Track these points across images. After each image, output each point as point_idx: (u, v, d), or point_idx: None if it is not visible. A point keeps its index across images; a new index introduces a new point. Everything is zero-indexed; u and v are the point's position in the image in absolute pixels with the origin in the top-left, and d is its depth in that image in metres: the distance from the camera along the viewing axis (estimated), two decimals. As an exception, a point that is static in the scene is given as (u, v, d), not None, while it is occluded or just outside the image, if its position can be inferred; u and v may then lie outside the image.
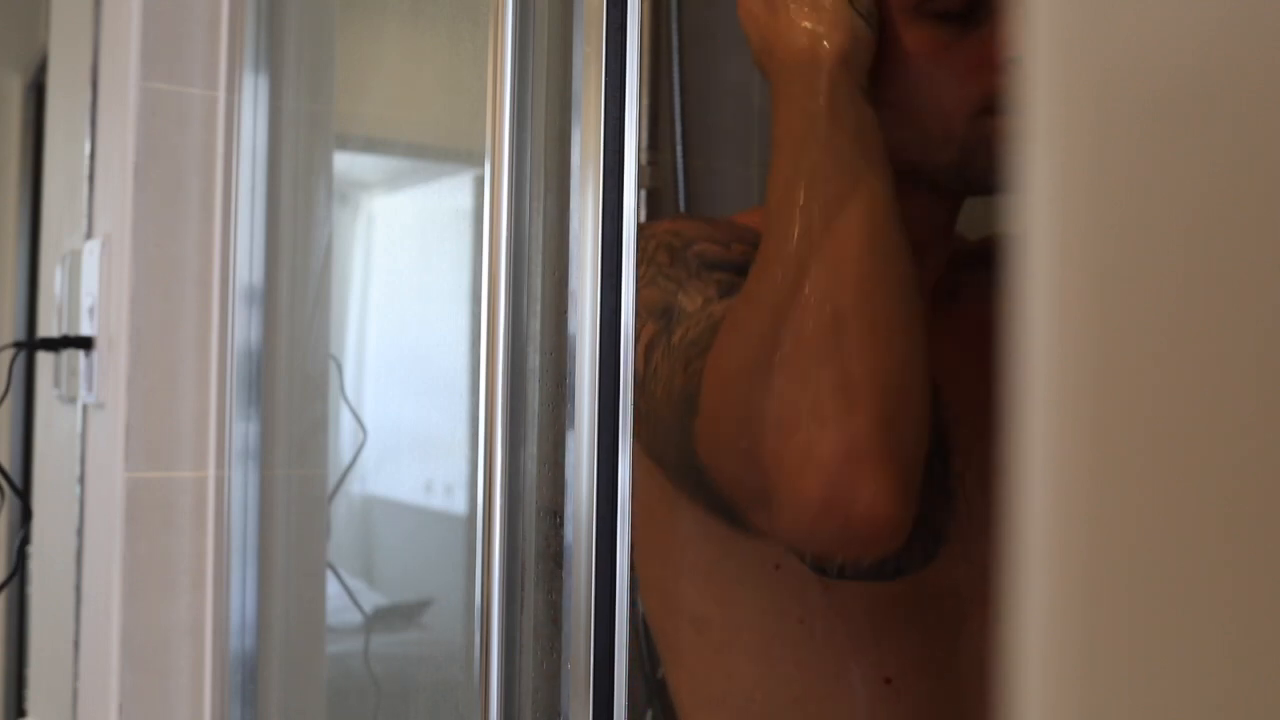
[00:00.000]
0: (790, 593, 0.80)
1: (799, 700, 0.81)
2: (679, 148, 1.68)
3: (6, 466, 1.13)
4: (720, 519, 0.79)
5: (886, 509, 0.64)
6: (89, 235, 1.14)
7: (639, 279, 0.80)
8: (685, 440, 0.72)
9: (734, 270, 0.78)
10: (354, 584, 1.11)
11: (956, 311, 0.87)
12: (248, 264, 1.02)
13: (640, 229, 0.87)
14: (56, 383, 1.22)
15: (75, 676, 1.12)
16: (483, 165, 0.68)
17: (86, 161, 1.15)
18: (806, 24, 0.73)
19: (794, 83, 0.72)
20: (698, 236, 0.82)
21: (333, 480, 1.06)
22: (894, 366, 0.66)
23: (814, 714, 0.81)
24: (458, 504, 0.88)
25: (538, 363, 0.68)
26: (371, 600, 1.13)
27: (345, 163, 1.08)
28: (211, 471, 1.02)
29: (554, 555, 0.67)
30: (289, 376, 1.04)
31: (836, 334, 0.65)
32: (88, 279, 1.08)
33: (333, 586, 1.07)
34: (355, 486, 1.07)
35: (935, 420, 0.83)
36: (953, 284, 0.88)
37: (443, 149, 0.98)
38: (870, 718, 0.80)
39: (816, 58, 0.71)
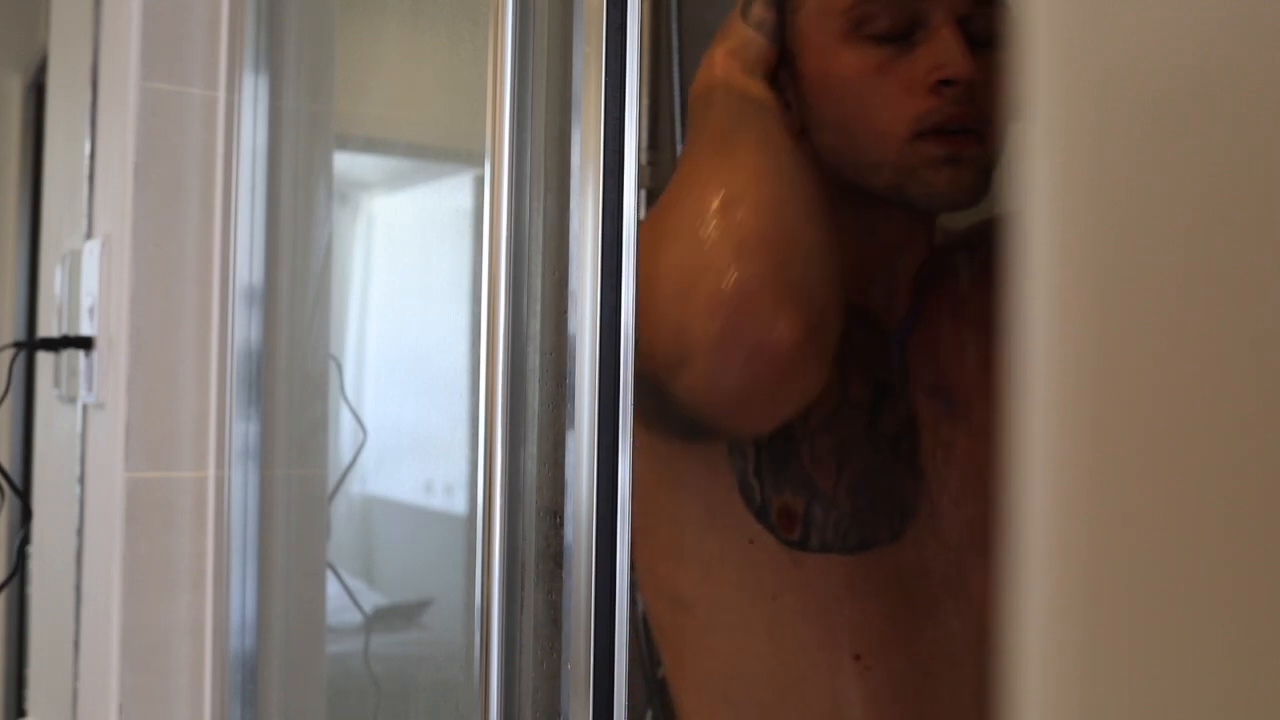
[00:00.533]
0: (763, 567, 0.82)
1: (772, 675, 0.83)
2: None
3: (6, 466, 1.13)
4: (674, 433, 0.84)
5: (787, 334, 0.70)
6: (89, 235, 1.14)
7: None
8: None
9: None
10: (354, 584, 1.11)
11: (936, 295, 0.88)
12: (248, 264, 1.02)
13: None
14: (56, 383, 1.22)
15: (75, 676, 1.12)
16: (483, 165, 0.68)
17: (86, 161, 1.15)
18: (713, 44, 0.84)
19: (692, 98, 0.83)
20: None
21: (333, 480, 1.06)
22: (785, 232, 0.73)
23: (786, 689, 0.83)
24: (458, 504, 0.88)
25: (538, 363, 0.68)
26: (371, 600, 1.13)
27: (345, 163, 1.08)
28: (211, 471, 1.02)
29: (554, 555, 0.67)
30: (289, 376, 1.04)
31: (737, 203, 0.74)
32: (88, 279, 1.08)
33: (333, 586, 1.07)
34: (355, 486, 1.07)
35: (907, 400, 0.84)
36: (934, 269, 0.88)
37: (443, 149, 0.98)
38: (838, 693, 0.81)
39: (708, 59, 0.82)
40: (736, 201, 0.73)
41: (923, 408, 0.84)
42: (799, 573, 0.82)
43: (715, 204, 0.74)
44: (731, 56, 0.81)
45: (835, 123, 0.81)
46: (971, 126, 0.78)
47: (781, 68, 0.84)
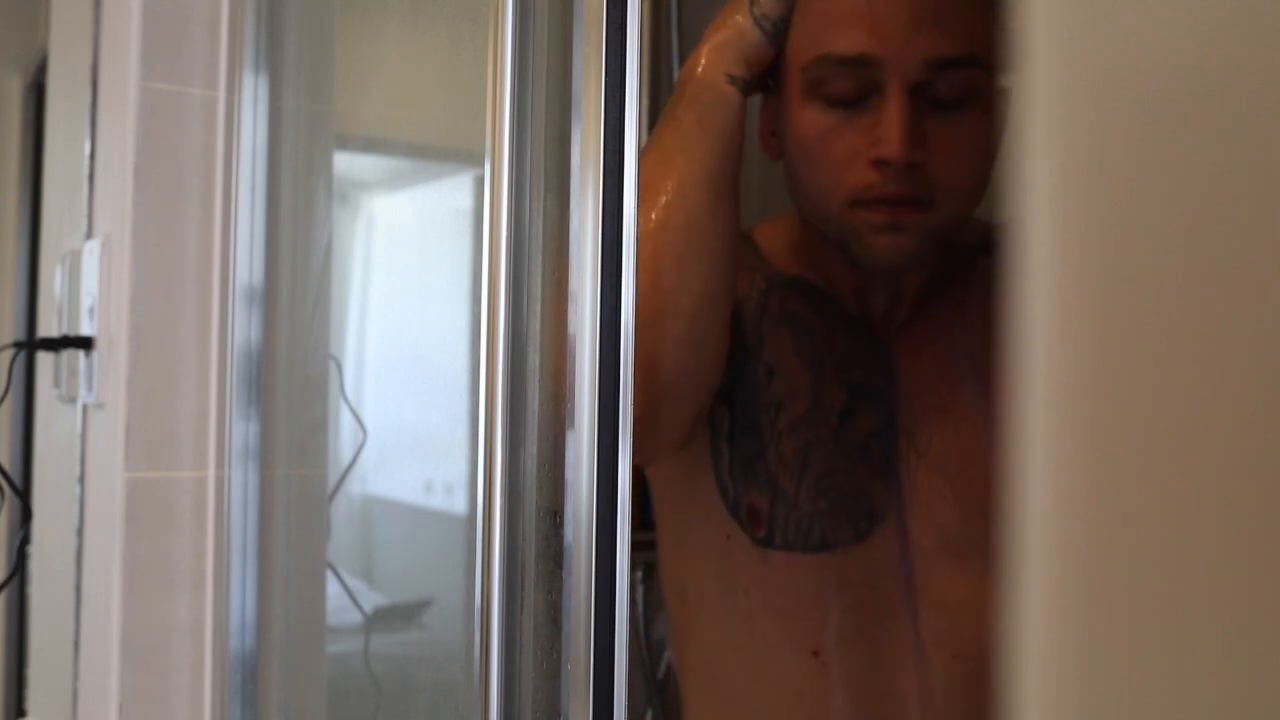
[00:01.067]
0: (737, 563, 0.83)
1: (747, 667, 0.85)
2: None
3: (6, 466, 1.13)
4: None
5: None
6: (89, 235, 1.14)
7: None
8: None
9: None
10: (354, 584, 1.11)
11: (929, 301, 0.88)
12: (248, 264, 1.02)
13: None
14: (56, 383, 1.22)
15: (75, 676, 1.13)
16: (483, 165, 0.68)
17: (86, 161, 1.15)
18: (711, 28, 0.83)
19: (679, 81, 0.84)
20: None
21: (333, 480, 1.06)
22: (671, 282, 0.76)
23: (753, 680, 0.85)
24: (458, 504, 0.88)
25: (538, 363, 0.68)
26: (371, 600, 1.13)
27: (345, 163, 1.09)
28: (211, 471, 1.03)
29: (554, 555, 0.67)
30: (289, 376, 1.04)
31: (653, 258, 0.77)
32: (88, 279, 1.09)
33: (333, 586, 1.07)
34: (355, 486, 1.07)
35: (889, 404, 0.85)
36: (943, 278, 0.89)
37: (443, 149, 0.98)
38: (796, 688, 0.83)
39: (698, 48, 0.82)
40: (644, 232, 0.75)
41: (904, 414, 0.85)
42: (766, 569, 0.83)
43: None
44: (719, 50, 0.81)
45: (791, 168, 0.83)
46: (911, 199, 0.78)
47: (774, 72, 0.84)
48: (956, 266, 0.89)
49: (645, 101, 1.66)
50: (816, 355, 0.84)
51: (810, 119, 0.79)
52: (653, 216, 0.77)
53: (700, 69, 0.81)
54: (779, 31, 0.81)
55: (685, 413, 0.80)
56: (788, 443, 0.82)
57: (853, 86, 0.77)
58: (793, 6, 0.81)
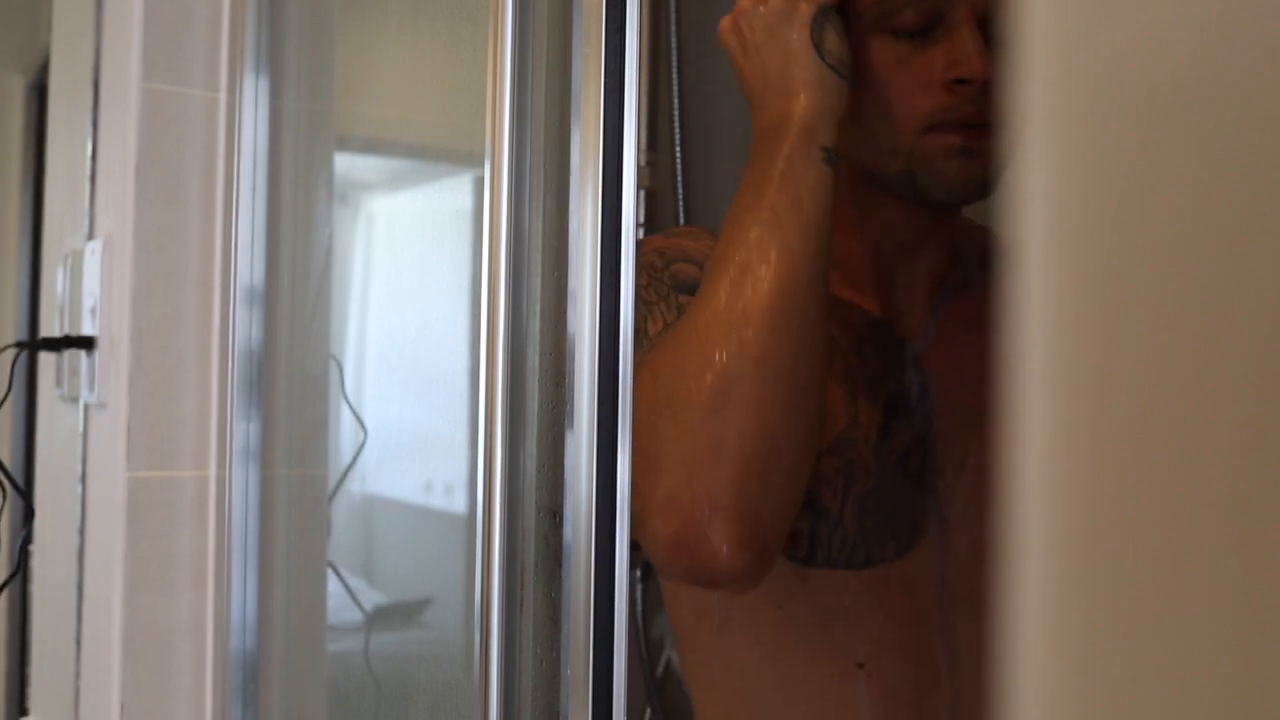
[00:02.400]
0: (772, 579, 0.83)
1: (778, 680, 0.84)
2: (678, 148, 1.68)
3: (9, 466, 1.13)
4: None
5: (730, 561, 0.70)
6: (90, 236, 1.14)
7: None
8: None
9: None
10: (354, 583, 1.11)
11: (955, 308, 0.88)
12: (248, 264, 1.03)
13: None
14: (58, 382, 1.22)
15: (77, 675, 1.13)
16: (482, 166, 0.68)
17: (88, 162, 1.15)
18: (779, 76, 0.75)
19: (760, 140, 0.76)
20: (678, 256, 0.86)
21: (333, 480, 1.07)
22: (770, 434, 0.70)
23: (793, 693, 0.84)
24: (458, 503, 0.88)
25: (537, 363, 0.68)
26: (372, 599, 1.13)
27: (345, 163, 1.09)
28: (213, 471, 1.03)
29: (553, 555, 0.67)
30: (289, 376, 1.05)
31: (723, 393, 0.70)
32: (89, 279, 1.09)
33: (333, 585, 1.08)
34: (355, 486, 1.07)
35: (923, 415, 0.84)
36: (956, 281, 0.88)
37: (443, 150, 0.98)
38: (841, 700, 0.82)
39: (783, 121, 0.75)
40: (733, 386, 0.70)
41: (938, 423, 0.85)
42: (804, 585, 0.83)
43: (716, 375, 0.70)
44: (810, 126, 0.74)
45: (854, 110, 0.80)
46: (984, 122, 0.79)
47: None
48: (976, 272, 0.89)
49: (644, 102, 1.67)
50: (849, 370, 0.84)
51: (879, 50, 0.79)
52: (752, 323, 0.71)
53: (792, 146, 0.74)
54: (848, 71, 0.77)
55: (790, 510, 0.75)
56: (828, 461, 0.81)
57: (919, 17, 0.78)
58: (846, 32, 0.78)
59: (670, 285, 0.83)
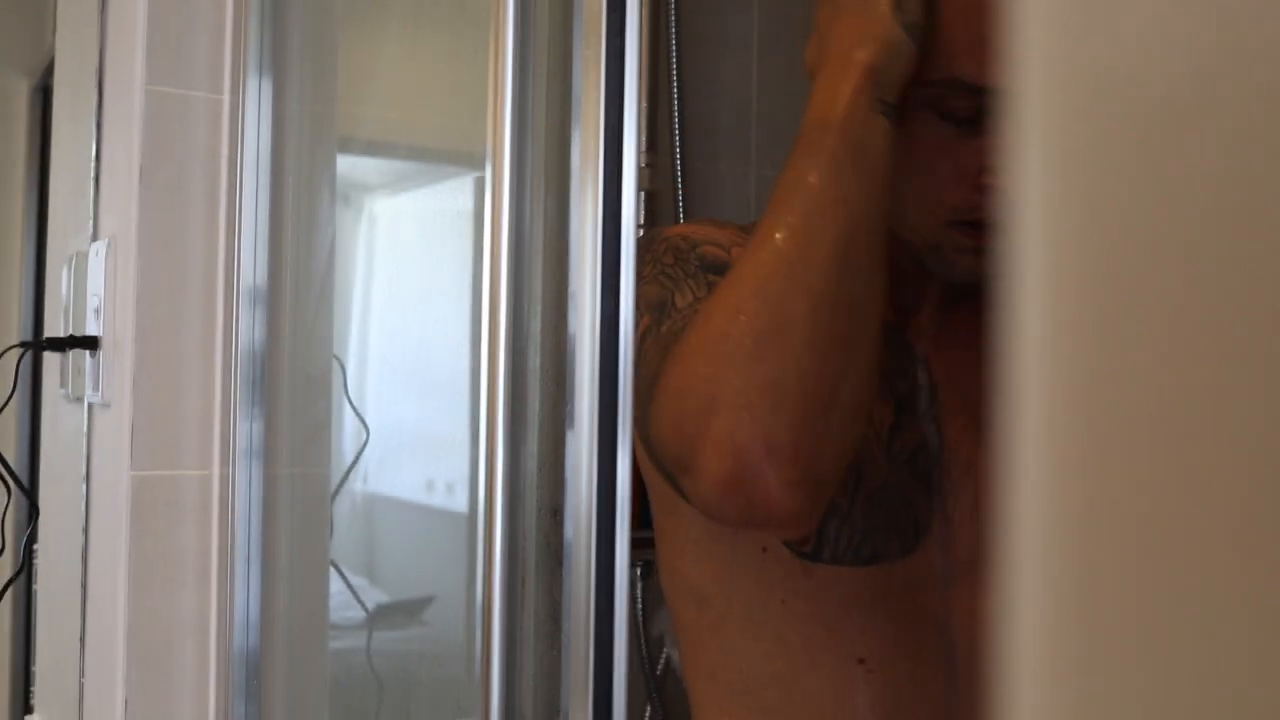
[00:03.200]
0: (775, 574, 0.82)
1: (780, 675, 0.84)
2: (678, 150, 1.69)
3: (13, 465, 1.14)
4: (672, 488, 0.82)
5: (785, 502, 0.69)
6: (95, 237, 1.15)
7: (644, 276, 0.83)
8: (645, 414, 0.76)
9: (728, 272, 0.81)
10: (356, 581, 1.12)
11: (963, 310, 0.88)
12: (252, 265, 1.03)
13: (656, 232, 0.89)
14: (63, 382, 1.23)
15: (81, 673, 1.13)
16: (483, 167, 0.68)
17: (92, 163, 1.16)
18: (850, 31, 0.74)
19: (821, 87, 0.74)
20: (704, 240, 0.86)
21: (336, 478, 1.07)
22: (828, 376, 0.70)
23: (793, 688, 0.84)
24: (459, 502, 0.88)
25: (538, 363, 0.69)
26: (374, 597, 1.13)
27: (348, 165, 1.09)
28: (216, 470, 1.03)
29: (554, 553, 0.67)
30: (292, 376, 1.05)
31: (781, 335, 0.69)
32: (93, 280, 1.09)
33: (335, 583, 1.08)
34: (358, 485, 1.08)
35: (932, 415, 0.85)
36: (961, 285, 0.89)
37: (444, 151, 0.98)
38: (842, 695, 0.83)
39: (846, 66, 0.73)
40: (791, 328, 0.69)
41: (945, 424, 0.85)
42: (809, 581, 0.83)
43: (775, 318, 0.69)
44: (872, 75, 0.72)
45: (892, 177, 0.78)
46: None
47: None
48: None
49: (644, 104, 1.67)
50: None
51: (927, 129, 0.78)
52: (811, 272, 0.70)
53: (851, 98, 0.72)
54: (921, 36, 0.75)
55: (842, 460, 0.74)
56: None
57: (971, 109, 0.77)
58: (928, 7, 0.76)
59: (697, 264, 0.83)
